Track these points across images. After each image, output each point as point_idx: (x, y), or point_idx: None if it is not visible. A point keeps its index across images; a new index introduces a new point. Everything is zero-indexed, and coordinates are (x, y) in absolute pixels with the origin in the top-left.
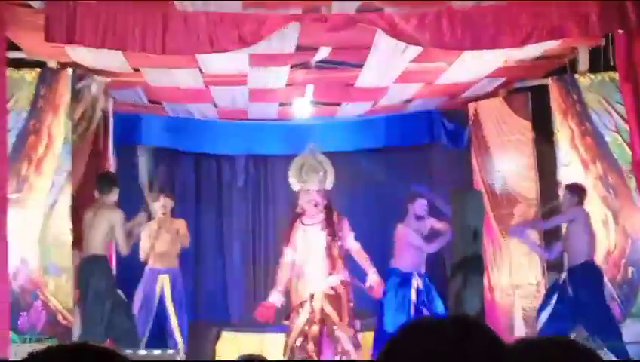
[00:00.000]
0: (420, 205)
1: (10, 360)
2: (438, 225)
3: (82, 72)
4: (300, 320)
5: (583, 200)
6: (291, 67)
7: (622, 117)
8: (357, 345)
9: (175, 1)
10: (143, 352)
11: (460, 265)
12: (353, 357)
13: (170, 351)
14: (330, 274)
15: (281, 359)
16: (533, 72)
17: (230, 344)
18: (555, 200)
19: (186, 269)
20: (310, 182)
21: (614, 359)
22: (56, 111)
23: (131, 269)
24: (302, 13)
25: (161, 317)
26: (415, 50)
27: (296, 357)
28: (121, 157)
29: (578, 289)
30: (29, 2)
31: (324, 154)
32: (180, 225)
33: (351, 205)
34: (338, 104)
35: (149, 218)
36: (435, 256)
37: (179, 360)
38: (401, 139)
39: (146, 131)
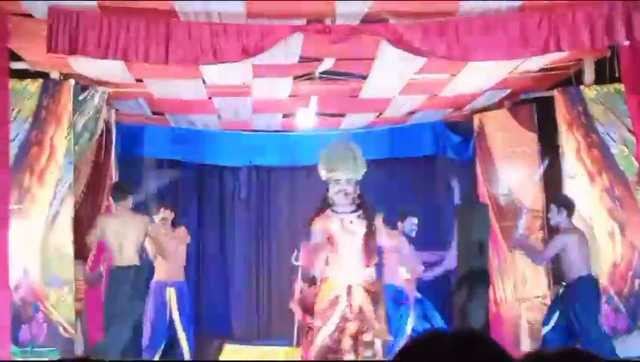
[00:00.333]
0: (409, 223)
1: None
2: (432, 257)
3: (85, 83)
4: (334, 315)
5: (572, 214)
6: (295, 78)
7: (628, 129)
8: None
9: (178, 12)
10: None
11: (466, 278)
12: None
13: None
14: (367, 266)
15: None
16: (538, 83)
17: (233, 356)
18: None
19: (189, 281)
20: (339, 171)
21: None
22: (58, 122)
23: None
24: (306, 24)
25: (170, 329)
26: (420, 62)
27: (328, 358)
28: (124, 169)
29: (574, 303)
30: (32, 13)
31: None
32: (181, 232)
33: None
34: (342, 115)
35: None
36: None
37: None
38: (405, 150)
39: (149, 142)
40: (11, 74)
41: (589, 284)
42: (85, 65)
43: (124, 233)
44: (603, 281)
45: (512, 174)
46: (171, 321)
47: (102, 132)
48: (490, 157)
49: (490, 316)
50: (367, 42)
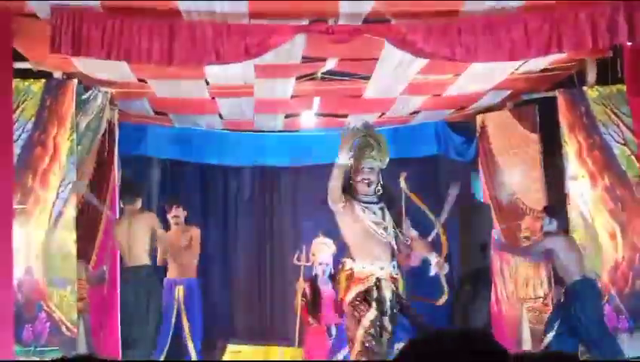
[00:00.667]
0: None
1: None
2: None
3: (88, 83)
4: (370, 310)
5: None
6: (297, 78)
7: (630, 129)
8: None
9: (182, 12)
10: None
11: (467, 278)
12: None
13: None
14: (394, 259)
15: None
16: (540, 84)
17: (235, 356)
18: (562, 213)
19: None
20: (362, 159)
21: None
22: (61, 122)
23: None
24: (308, 25)
25: (178, 327)
26: (422, 62)
27: (370, 357)
28: (127, 169)
29: (575, 306)
30: (35, 13)
31: (333, 166)
32: (194, 233)
33: None
34: (345, 116)
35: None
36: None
37: None
38: (407, 151)
39: (152, 142)
40: (14, 73)
41: (585, 286)
42: (89, 66)
43: (134, 233)
44: (604, 281)
45: (514, 175)
46: (178, 319)
47: (105, 132)
48: (492, 158)
49: (492, 316)
50: (369, 42)
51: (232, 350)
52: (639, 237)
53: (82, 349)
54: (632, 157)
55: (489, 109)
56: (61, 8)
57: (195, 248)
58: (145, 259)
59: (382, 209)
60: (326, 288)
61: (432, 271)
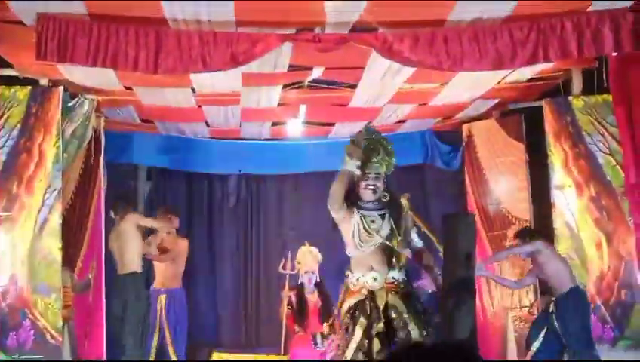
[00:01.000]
0: None
1: None
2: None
3: (74, 91)
4: (360, 323)
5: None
6: (284, 87)
7: (615, 139)
8: None
9: (168, 20)
10: None
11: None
12: None
13: None
14: (394, 268)
15: None
16: (526, 93)
17: None
18: (548, 221)
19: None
20: (368, 165)
21: None
22: (47, 129)
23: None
24: (295, 33)
25: (161, 336)
26: (409, 71)
27: None
28: (113, 176)
29: (565, 316)
30: (21, 20)
31: (319, 174)
32: (182, 244)
33: None
34: (331, 124)
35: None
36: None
37: None
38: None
39: (138, 150)
40: (0, 80)
41: (577, 296)
42: (75, 73)
43: (125, 241)
44: (590, 291)
45: (500, 184)
46: (161, 328)
47: (91, 139)
48: (478, 167)
49: (478, 325)
50: (356, 51)
51: (217, 358)
52: (625, 246)
53: (67, 357)
54: (618, 167)
55: (475, 118)
56: (47, 15)
57: (182, 259)
58: (136, 266)
59: (383, 216)
60: (311, 296)
61: (430, 289)
